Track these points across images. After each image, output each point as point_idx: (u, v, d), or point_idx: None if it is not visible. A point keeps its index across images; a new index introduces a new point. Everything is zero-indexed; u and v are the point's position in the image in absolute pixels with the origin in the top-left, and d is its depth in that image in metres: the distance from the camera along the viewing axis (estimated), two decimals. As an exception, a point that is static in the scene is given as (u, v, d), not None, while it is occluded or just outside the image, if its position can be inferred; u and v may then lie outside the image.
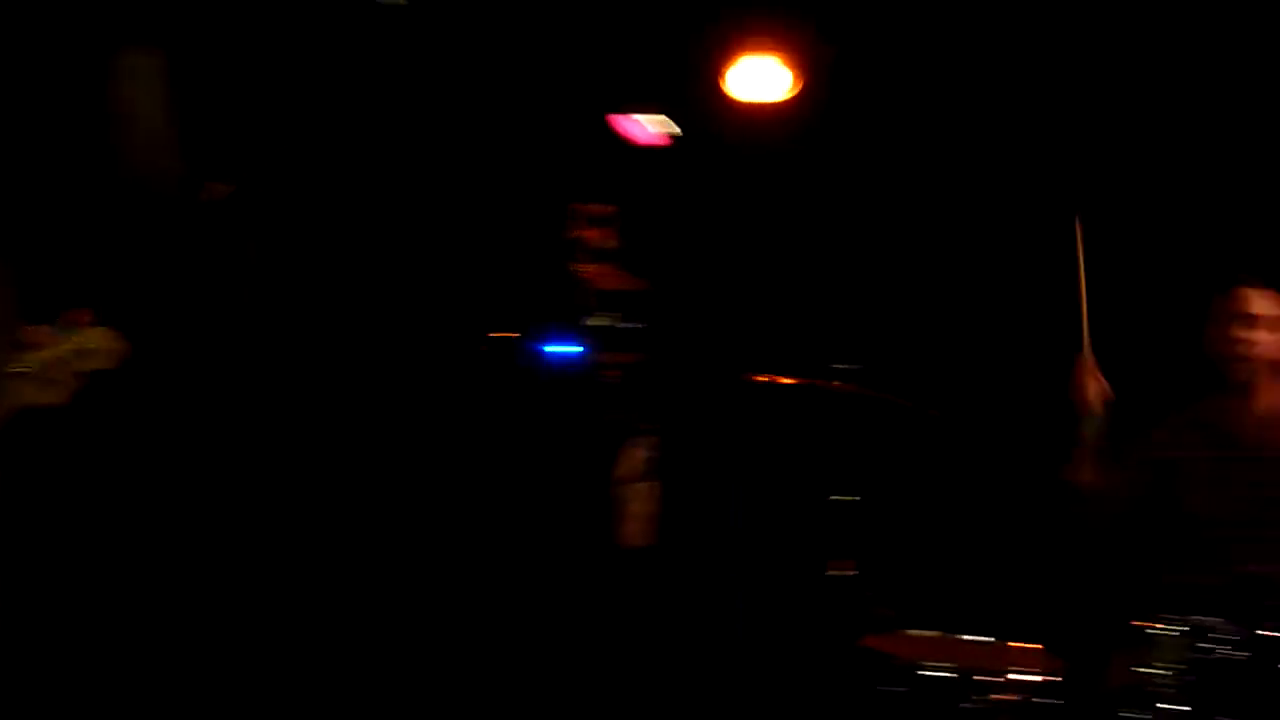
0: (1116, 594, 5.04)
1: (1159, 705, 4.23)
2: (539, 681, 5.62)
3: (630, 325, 5.58)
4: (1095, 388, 4.91)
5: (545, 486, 5.72)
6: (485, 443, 5.74)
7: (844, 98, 5.69)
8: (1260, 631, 4.25)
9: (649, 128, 5.72)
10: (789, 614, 5.40)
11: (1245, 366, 4.88)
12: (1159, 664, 4.25)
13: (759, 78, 5.58)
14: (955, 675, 4.32)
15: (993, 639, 4.45)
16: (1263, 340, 4.87)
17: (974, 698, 4.32)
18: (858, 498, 4.46)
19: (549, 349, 5.69)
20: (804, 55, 5.56)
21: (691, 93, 5.69)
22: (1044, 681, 4.34)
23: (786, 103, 5.58)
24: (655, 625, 5.76)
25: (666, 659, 5.81)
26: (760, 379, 4.70)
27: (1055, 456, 4.95)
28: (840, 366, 4.66)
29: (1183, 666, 4.23)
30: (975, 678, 4.32)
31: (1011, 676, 4.32)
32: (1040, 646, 4.41)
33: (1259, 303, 4.90)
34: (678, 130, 5.70)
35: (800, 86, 5.56)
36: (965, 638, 4.47)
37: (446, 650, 5.57)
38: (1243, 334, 4.87)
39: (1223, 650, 4.23)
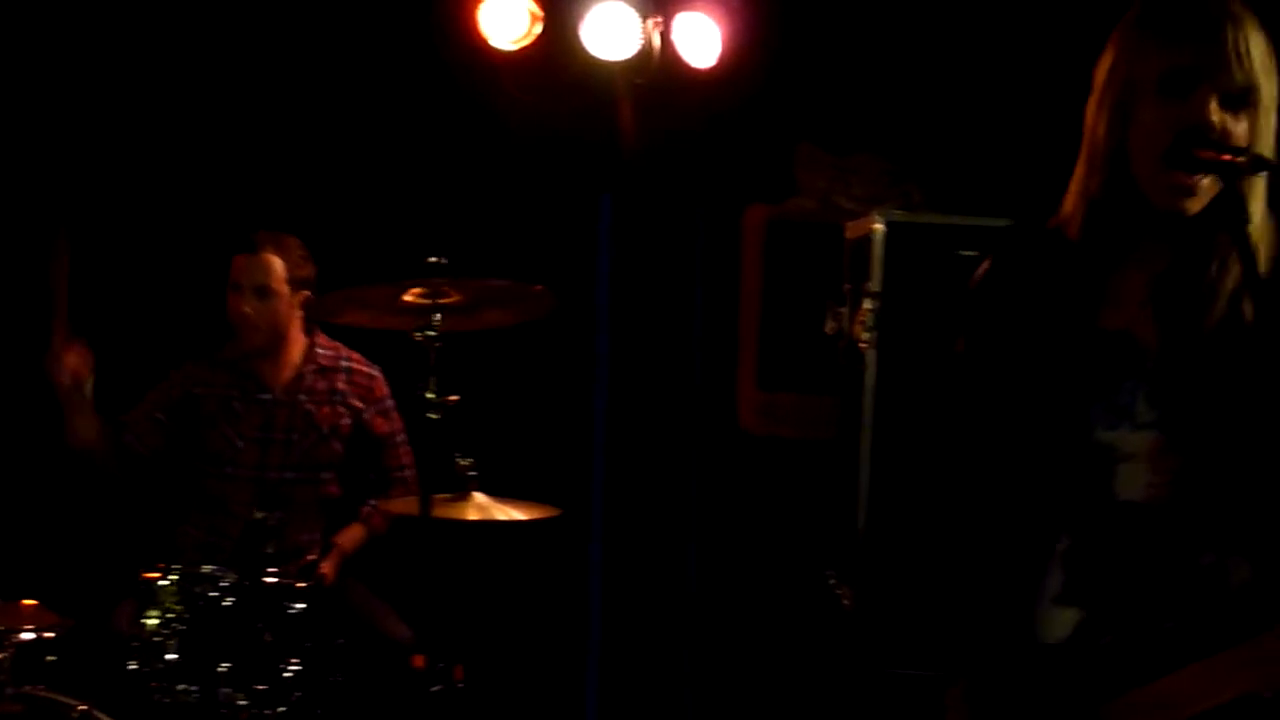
0: (121, 544, 5.03)
1: (163, 656, 4.25)
2: None
3: None
4: (72, 358, 4.71)
5: None
6: None
7: None
8: (261, 578, 4.37)
9: None
10: None
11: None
12: (158, 613, 4.27)
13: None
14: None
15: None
16: (283, 294, 4.97)
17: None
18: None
19: None
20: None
21: None
22: (46, 638, 4.23)
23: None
24: None
25: None
26: None
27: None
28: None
29: (181, 614, 4.27)
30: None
31: (10, 635, 4.18)
32: (37, 603, 4.30)
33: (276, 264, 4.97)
34: None
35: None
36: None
37: None
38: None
39: (220, 597, 4.32)
